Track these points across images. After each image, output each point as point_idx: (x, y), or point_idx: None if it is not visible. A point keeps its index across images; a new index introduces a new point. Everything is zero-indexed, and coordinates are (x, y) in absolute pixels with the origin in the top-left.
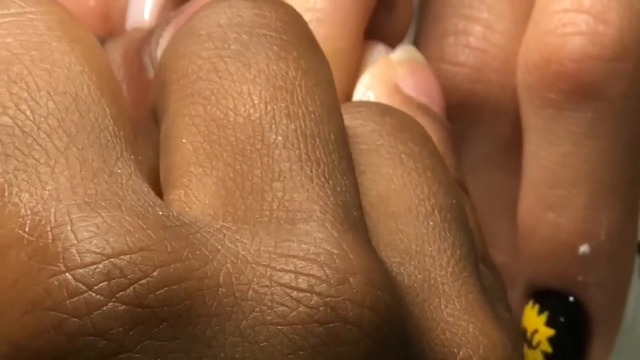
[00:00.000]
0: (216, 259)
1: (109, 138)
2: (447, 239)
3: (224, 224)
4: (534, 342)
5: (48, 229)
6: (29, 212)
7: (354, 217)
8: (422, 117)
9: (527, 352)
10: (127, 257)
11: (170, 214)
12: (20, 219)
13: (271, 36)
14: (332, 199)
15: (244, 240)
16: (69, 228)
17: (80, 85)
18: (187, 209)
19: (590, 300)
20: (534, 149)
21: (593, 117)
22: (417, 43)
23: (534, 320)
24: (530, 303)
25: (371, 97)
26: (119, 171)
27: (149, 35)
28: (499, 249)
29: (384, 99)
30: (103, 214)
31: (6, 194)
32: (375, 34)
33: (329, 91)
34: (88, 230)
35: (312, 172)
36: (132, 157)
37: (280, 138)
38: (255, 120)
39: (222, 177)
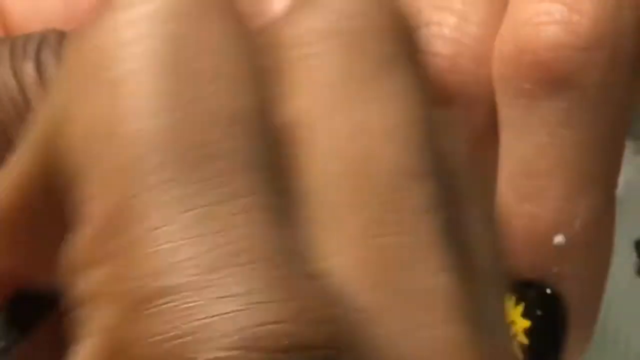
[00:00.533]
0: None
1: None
2: None
3: (373, 299)
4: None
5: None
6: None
7: (476, 307)
8: None
9: None
10: None
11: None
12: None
13: (406, 59)
14: (463, 293)
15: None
16: (224, 291)
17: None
18: (322, 259)
19: (566, 291)
20: (510, 140)
21: (568, 107)
22: None
23: (511, 312)
24: (507, 294)
25: None
26: (289, 223)
27: None
28: None
29: None
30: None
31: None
32: None
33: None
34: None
35: (447, 254)
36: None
37: (423, 202)
38: (400, 172)
39: (363, 232)
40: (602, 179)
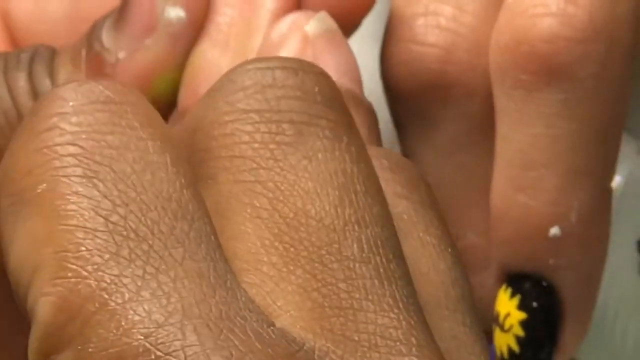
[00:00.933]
0: None
1: (214, 248)
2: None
3: (329, 345)
4: (506, 325)
5: (179, 347)
6: (154, 324)
7: (431, 337)
8: (349, 105)
9: (499, 335)
10: None
11: (288, 336)
12: (146, 330)
13: (321, 118)
14: (419, 325)
15: None
16: (200, 350)
17: (180, 191)
18: (272, 317)
19: (562, 283)
20: (506, 131)
21: (564, 99)
22: (388, 25)
23: (507, 304)
24: (504, 286)
25: None
26: (231, 285)
27: (93, 28)
28: (472, 231)
29: None
30: (235, 341)
31: (127, 298)
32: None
33: (374, 176)
34: (222, 356)
35: (395, 291)
36: (228, 264)
37: (356, 249)
38: (329, 226)
39: (304, 286)
40: (598, 172)
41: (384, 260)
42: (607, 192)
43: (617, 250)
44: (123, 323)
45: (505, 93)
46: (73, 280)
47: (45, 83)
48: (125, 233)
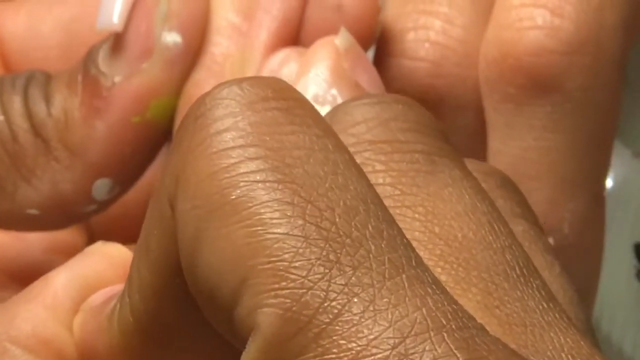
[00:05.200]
0: None
1: (415, 257)
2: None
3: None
4: None
5: (431, 358)
6: (399, 334)
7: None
8: None
9: None
10: None
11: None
12: (393, 340)
13: (443, 149)
14: (594, 344)
15: None
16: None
17: (370, 190)
18: None
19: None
20: (496, 144)
21: (552, 111)
22: (378, 39)
23: None
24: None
25: (336, 95)
26: (447, 292)
27: (89, 52)
28: None
29: (347, 97)
30: (481, 349)
31: (363, 308)
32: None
33: (493, 202)
34: None
35: (562, 311)
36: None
37: (518, 271)
38: (490, 248)
39: (485, 303)
40: (588, 182)
41: (539, 282)
42: (600, 200)
43: (612, 256)
44: (366, 333)
45: (494, 106)
46: (297, 291)
47: (40, 107)
48: (340, 240)
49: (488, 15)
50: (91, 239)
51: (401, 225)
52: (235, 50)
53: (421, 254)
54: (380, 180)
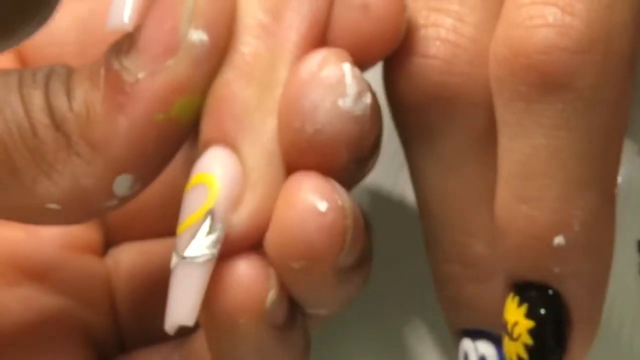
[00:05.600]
0: None
1: None
2: None
3: None
4: (515, 334)
5: None
6: None
7: None
8: None
9: (509, 344)
10: None
11: None
12: None
13: None
14: None
15: None
16: None
17: None
18: None
19: (568, 291)
20: (507, 142)
21: (562, 109)
22: None
23: (515, 312)
24: (511, 295)
25: None
26: None
27: (112, 46)
28: (478, 241)
29: None
30: None
31: None
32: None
33: None
34: None
35: None
36: None
37: None
38: None
39: None
40: (599, 180)
41: None
42: (610, 198)
43: (617, 252)
44: None
45: (504, 105)
46: None
47: (62, 101)
48: None
49: (498, 12)
50: (107, 236)
51: None
52: (265, 50)
53: None
54: None
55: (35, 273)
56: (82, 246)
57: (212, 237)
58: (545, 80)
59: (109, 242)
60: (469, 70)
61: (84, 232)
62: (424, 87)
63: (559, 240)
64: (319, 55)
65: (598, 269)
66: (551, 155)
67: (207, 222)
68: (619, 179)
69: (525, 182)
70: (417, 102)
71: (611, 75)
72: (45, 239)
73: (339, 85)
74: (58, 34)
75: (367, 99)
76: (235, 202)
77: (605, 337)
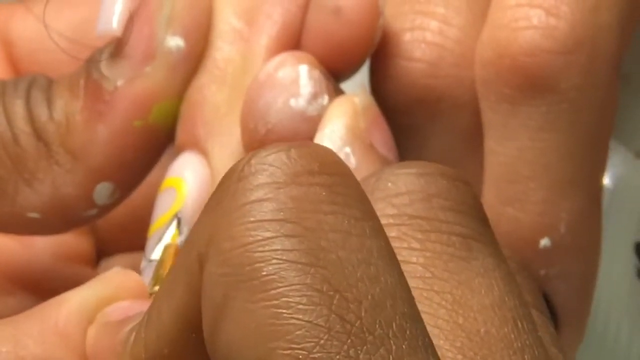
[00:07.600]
0: None
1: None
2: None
3: None
4: None
5: None
6: None
7: None
8: None
9: None
10: None
11: None
12: None
13: (482, 234)
14: None
15: None
16: None
17: (400, 283)
18: None
19: (555, 293)
20: (493, 144)
21: (547, 111)
22: None
23: None
24: None
25: (349, 154)
26: None
27: (91, 56)
28: None
29: (359, 157)
30: None
31: None
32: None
33: (521, 293)
34: None
35: None
36: None
37: None
38: (510, 347)
39: None
40: (585, 182)
41: None
42: (596, 200)
43: (614, 255)
44: None
45: (490, 107)
46: None
47: (42, 110)
48: (362, 336)
49: (484, 15)
50: (98, 246)
51: (426, 309)
52: (237, 55)
53: (441, 343)
54: (414, 259)
55: (28, 282)
56: (74, 256)
57: (179, 240)
58: (530, 82)
59: (101, 253)
60: (454, 72)
61: (77, 243)
62: (410, 89)
63: (545, 242)
64: (279, 58)
65: (585, 270)
66: (536, 157)
67: (174, 225)
68: (614, 182)
69: (510, 185)
70: (404, 105)
71: (596, 77)
72: (39, 249)
73: (291, 86)
74: (51, 40)
75: (324, 101)
76: (202, 205)
77: (602, 340)
